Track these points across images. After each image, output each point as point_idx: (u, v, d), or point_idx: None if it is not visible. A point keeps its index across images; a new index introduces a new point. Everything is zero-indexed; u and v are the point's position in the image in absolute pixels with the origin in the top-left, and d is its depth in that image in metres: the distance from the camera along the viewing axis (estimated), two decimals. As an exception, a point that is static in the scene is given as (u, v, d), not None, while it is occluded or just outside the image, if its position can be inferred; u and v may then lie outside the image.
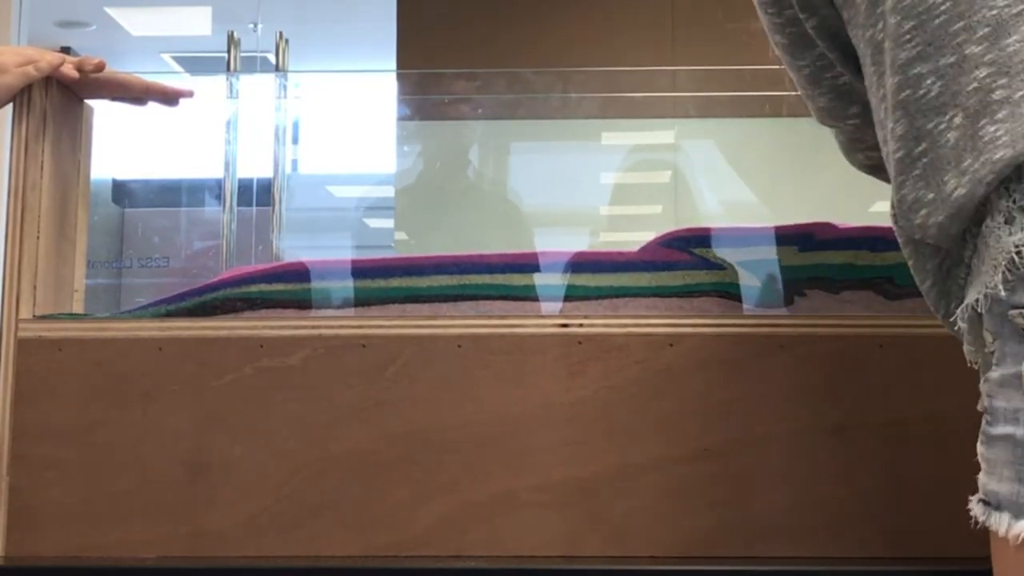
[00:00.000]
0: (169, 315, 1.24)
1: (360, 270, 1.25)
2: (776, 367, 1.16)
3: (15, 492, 1.17)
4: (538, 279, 1.24)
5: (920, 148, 0.80)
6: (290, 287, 1.24)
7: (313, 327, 1.19)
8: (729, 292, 1.22)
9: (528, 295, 1.23)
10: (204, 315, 1.23)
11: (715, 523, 1.14)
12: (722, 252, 1.23)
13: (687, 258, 1.23)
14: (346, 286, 1.24)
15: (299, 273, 1.25)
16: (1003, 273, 0.75)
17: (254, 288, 1.24)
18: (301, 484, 1.16)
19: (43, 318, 1.22)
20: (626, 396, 1.16)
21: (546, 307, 1.22)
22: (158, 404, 1.18)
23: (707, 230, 1.26)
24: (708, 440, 1.15)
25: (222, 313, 1.23)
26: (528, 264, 1.25)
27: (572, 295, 1.22)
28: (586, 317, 1.18)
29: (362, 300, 1.23)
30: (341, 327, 1.19)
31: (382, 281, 1.23)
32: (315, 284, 1.25)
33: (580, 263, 1.24)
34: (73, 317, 1.23)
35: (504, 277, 1.23)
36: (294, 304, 1.24)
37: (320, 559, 1.15)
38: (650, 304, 1.22)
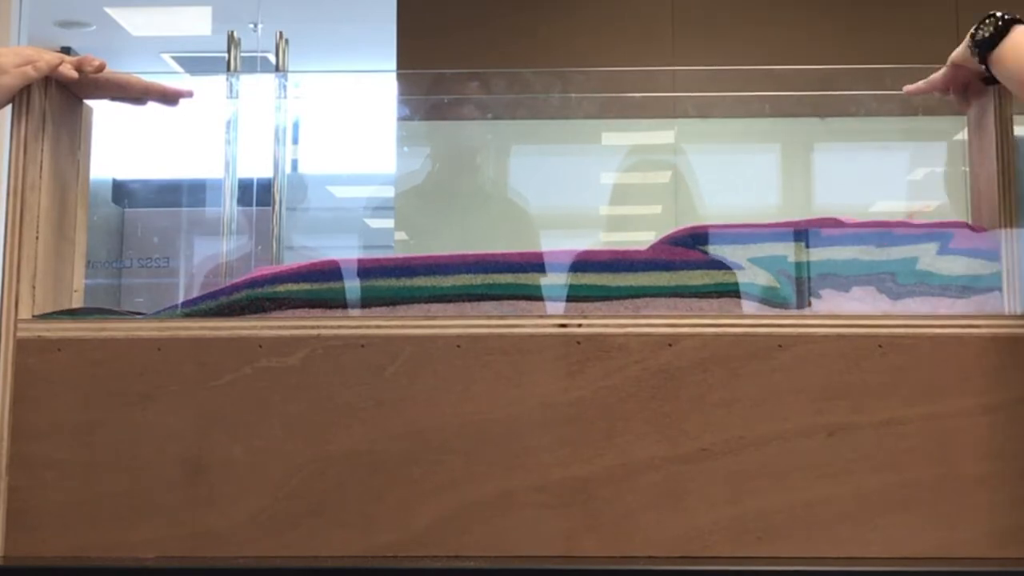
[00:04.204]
0: (196, 315, 1.24)
1: (384, 269, 1.25)
2: (776, 367, 1.16)
3: (15, 492, 1.17)
4: (560, 279, 1.24)
5: None
6: (316, 286, 1.24)
7: (312, 327, 1.19)
8: (748, 293, 1.22)
9: (551, 296, 1.23)
10: (231, 315, 1.23)
11: (715, 523, 1.14)
12: (732, 249, 1.24)
13: (705, 258, 1.23)
14: (371, 285, 1.24)
15: (324, 272, 1.25)
16: None
17: (281, 288, 1.24)
18: (300, 484, 1.16)
19: (42, 318, 1.22)
20: (625, 396, 1.16)
21: (569, 307, 1.22)
22: (157, 404, 1.18)
23: (716, 228, 1.26)
24: (708, 440, 1.15)
25: (250, 313, 1.23)
26: (551, 264, 1.25)
27: (594, 295, 1.22)
28: (585, 317, 1.18)
29: (387, 299, 1.24)
30: (340, 327, 1.19)
31: (407, 280, 1.24)
32: (341, 283, 1.25)
33: (601, 262, 1.24)
34: (73, 316, 1.23)
35: (527, 277, 1.24)
36: (321, 303, 1.24)
37: (319, 559, 1.15)
38: (670, 304, 1.22)
